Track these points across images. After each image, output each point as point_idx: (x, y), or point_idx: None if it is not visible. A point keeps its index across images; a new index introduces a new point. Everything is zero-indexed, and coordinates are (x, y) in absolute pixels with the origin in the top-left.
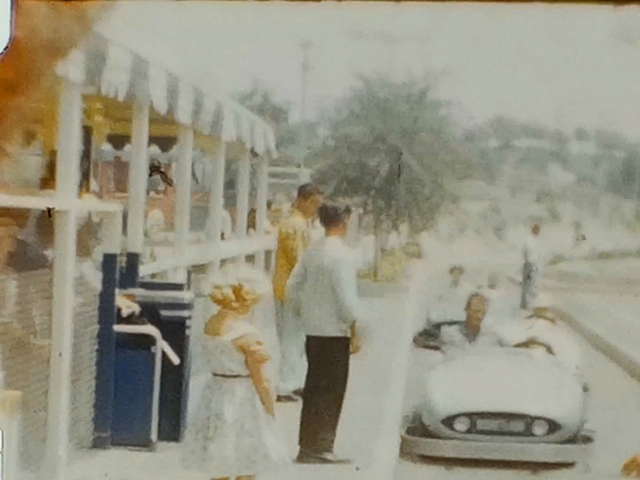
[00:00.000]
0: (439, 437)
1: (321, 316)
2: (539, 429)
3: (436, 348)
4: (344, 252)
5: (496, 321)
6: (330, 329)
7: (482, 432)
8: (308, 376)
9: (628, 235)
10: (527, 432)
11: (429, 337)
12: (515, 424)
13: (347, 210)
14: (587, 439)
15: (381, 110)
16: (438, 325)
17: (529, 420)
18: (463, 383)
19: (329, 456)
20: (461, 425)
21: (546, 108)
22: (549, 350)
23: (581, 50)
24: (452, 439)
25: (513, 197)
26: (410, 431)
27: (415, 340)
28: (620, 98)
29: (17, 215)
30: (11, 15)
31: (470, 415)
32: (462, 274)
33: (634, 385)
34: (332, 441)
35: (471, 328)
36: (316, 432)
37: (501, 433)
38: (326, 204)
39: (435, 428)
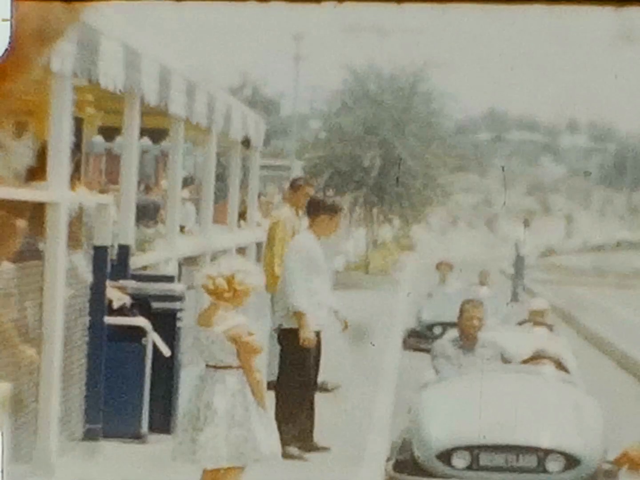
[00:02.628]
0: (434, 475)
1: (281, 308)
2: (554, 465)
3: (428, 351)
4: (300, 242)
5: (493, 328)
6: (284, 321)
7: (485, 468)
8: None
9: (619, 227)
10: (540, 469)
11: (420, 338)
12: (526, 458)
13: (331, 207)
14: (611, 475)
15: (373, 102)
16: (430, 327)
17: (541, 454)
18: (461, 409)
19: (308, 445)
20: (460, 460)
21: (539, 101)
22: (559, 365)
23: (575, 45)
24: (449, 477)
25: (505, 189)
26: (398, 466)
27: (405, 342)
28: (612, 91)
29: (18, 207)
30: (11, 19)
31: (471, 448)
32: (450, 269)
33: (624, 376)
34: (311, 432)
35: (467, 339)
36: (289, 425)
37: (509, 470)
38: (314, 196)
39: (429, 464)
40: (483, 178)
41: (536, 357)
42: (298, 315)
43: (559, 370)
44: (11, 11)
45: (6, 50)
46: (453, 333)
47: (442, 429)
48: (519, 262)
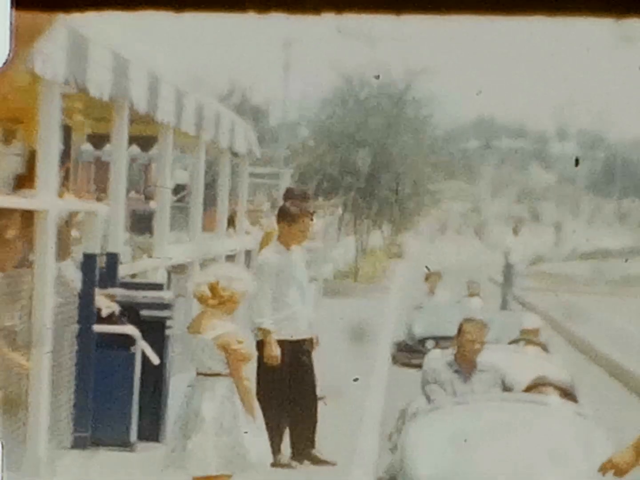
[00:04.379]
0: None
1: (251, 321)
2: None
3: (419, 366)
4: (265, 257)
5: (490, 348)
6: (256, 333)
7: None
8: None
9: (609, 235)
10: None
11: (412, 353)
12: None
13: (290, 216)
14: None
15: (363, 109)
16: (422, 341)
17: None
18: (455, 444)
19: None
20: None
21: (528, 109)
22: (565, 393)
23: (565, 53)
24: None
25: (494, 197)
26: None
27: (395, 358)
28: (602, 100)
29: (6, 215)
30: (11, 29)
31: None
32: (439, 279)
33: (615, 384)
34: (311, 441)
35: (464, 363)
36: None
37: None
38: (284, 204)
39: None
40: (472, 185)
41: (539, 384)
42: (263, 332)
43: (565, 399)
44: (11, 20)
45: (6, 60)
46: (446, 353)
47: (432, 467)
48: (508, 270)
